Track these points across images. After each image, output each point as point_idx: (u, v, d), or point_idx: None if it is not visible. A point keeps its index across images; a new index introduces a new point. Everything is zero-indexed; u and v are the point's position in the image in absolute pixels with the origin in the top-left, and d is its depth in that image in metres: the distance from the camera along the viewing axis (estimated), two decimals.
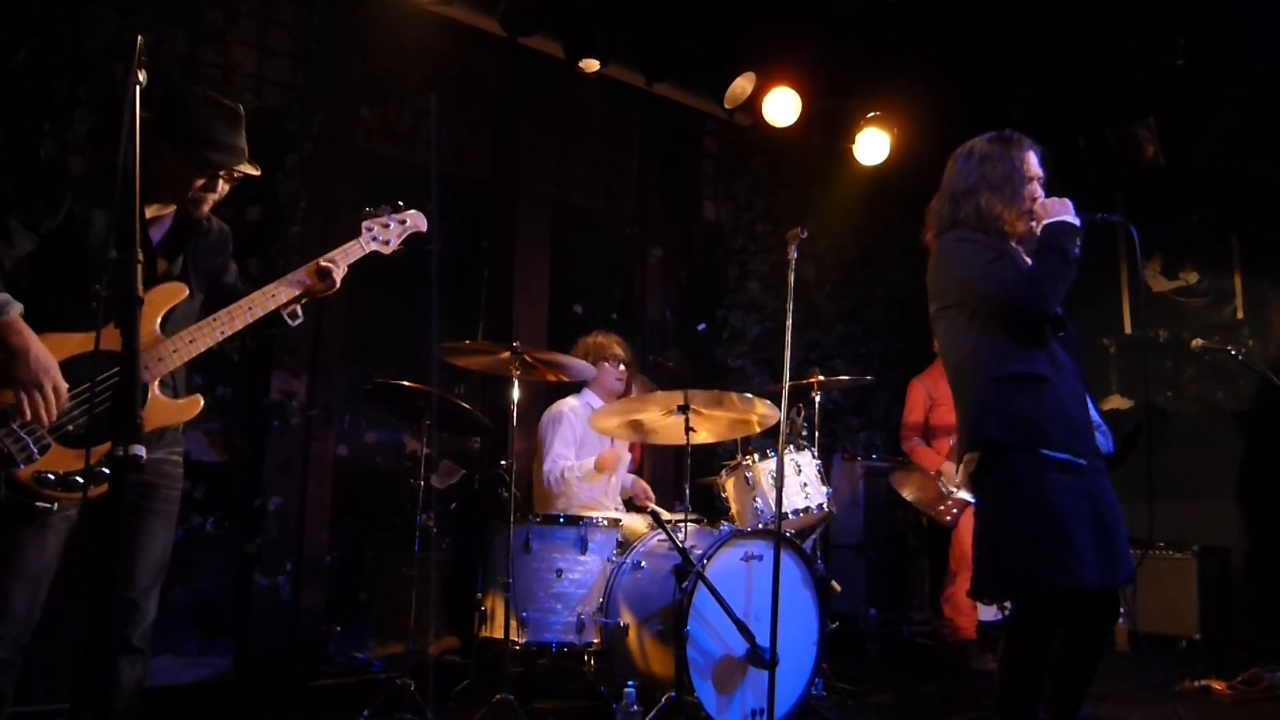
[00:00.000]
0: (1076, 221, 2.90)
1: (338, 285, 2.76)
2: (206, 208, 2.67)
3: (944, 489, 5.19)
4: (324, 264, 2.75)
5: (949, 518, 5.22)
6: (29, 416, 2.28)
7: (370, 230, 2.89)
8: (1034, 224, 2.95)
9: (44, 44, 4.29)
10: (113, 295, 1.88)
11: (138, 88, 1.93)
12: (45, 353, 2.31)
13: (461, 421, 4.41)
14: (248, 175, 2.67)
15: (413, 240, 3.02)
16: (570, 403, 4.88)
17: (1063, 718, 2.92)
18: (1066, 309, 2.93)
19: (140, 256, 1.92)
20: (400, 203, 2.97)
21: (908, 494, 5.50)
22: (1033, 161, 3.00)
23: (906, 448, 5.62)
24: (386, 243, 2.91)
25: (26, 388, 2.28)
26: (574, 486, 4.64)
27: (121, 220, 2.50)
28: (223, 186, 2.66)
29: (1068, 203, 2.93)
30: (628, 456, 4.89)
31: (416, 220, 2.99)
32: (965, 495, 5.06)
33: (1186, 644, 5.81)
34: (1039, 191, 2.99)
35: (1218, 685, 4.52)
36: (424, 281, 5.51)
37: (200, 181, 2.59)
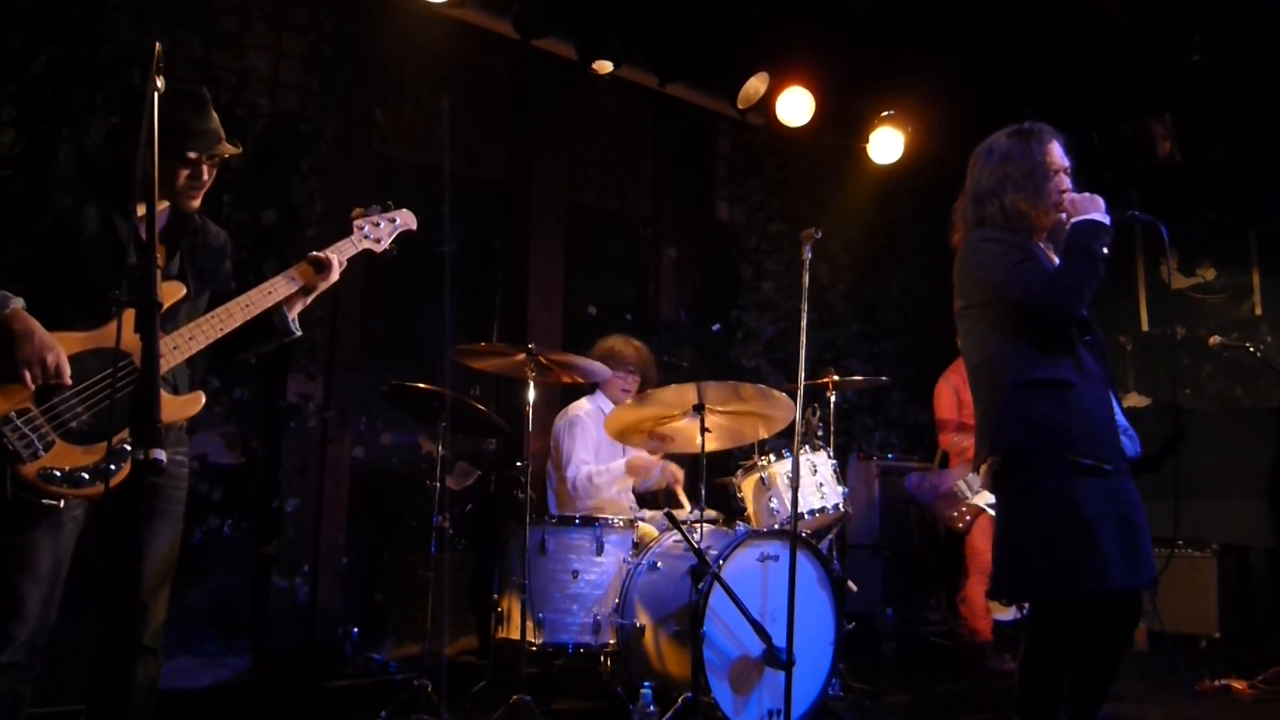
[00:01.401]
0: (1106, 220, 2.82)
1: (333, 277, 2.80)
2: (196, 201, 2.67)
3: (959, 493, 5.18)
4: (318, 255, 2.78)
5: (961, 525, 5.21)
6: (37, 379, 2.29)
7: (362, 229, 2.93)
8: (1062, 216, 2.89)
9: (62, 50, 4.32)
10: (131, 300, 1.90)
11: (156, 95, 1.94)
12: (50, 337, 2.33)
13: (477, 423, 4.43)
14: (229, 156, 2.68)
15: (404, 237, 3.05)
16: (583, 406, 4.88)
17: (1083, 719, 2.89)
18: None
19: (159, 262, 1.93)
20: (390, 202, 3.02)
21: (923, 497, 5.48)
22: (1056, 152, 2.93)
23: (953, 447, 5.48)
24: (378, 241, 2.95)
25: (29, 364, 2.29)
26: (604, 491, 4.63)
27: (127, 225, 2.54)
28: (208, 173, 2.66)
29: (1098, 200, 2.85)
30: (659, 461, 4.86)
31: (407, 219, 3.04)
32: (980, 502, 5.06)
33: (1206, 643, 5.78)
34: (1066, 182, 2.91)
35: (1238, 684, 4.49)
36: (439, 284, 5.53)
37: (185, 173, 2.60)
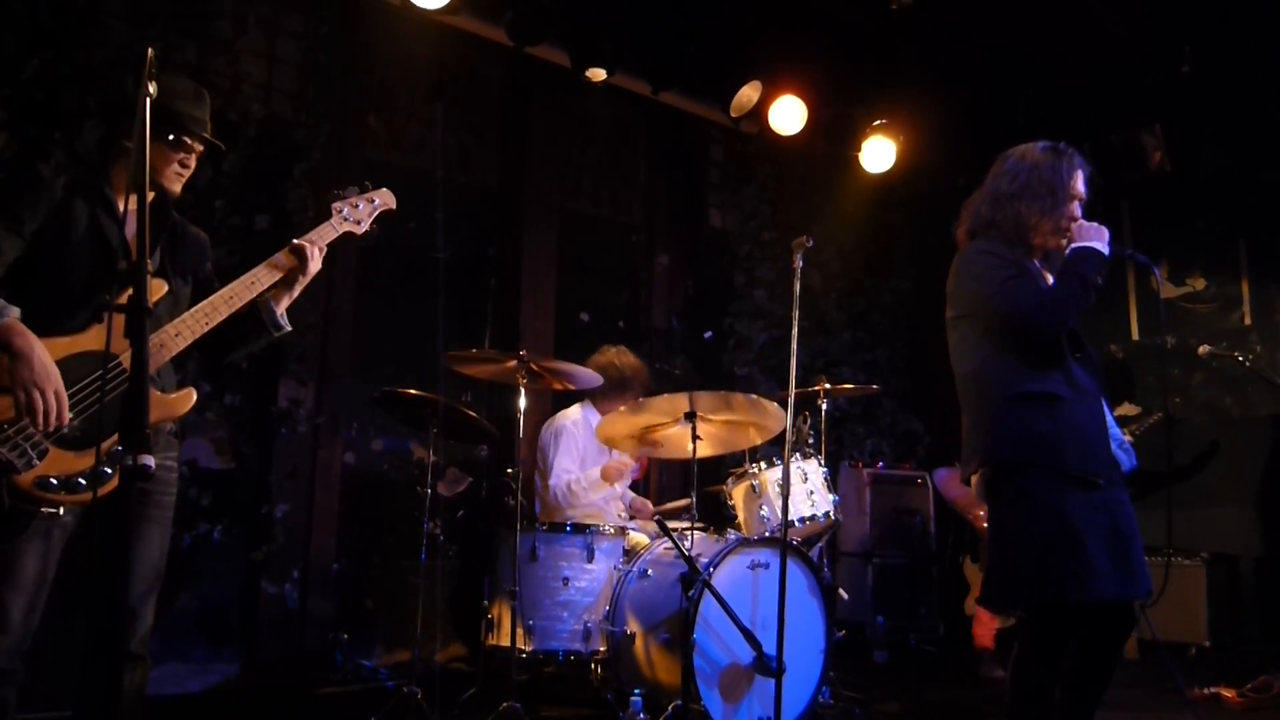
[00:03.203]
0: (1106, 251, 2.87)
1: (313, 265, 2.78)
2: (178, 186, 2.69)
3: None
4: (298, 243, 2.77)
5: (984, 525, 5.23)
6: (38, 419, 2.27)
7: (340, 211, 2.91)
8: (1065, 242, 2.94)
9: (54, 54, 4.32)
10: (120, 305, 1.89)
11: (148, 100, 1.94)
12: (48, 357, 2.31)
13: (468, 429, 4.42)
14: (214, 146, 2.71)
15: (400, 222, 3.01)
16: (571, 415, 4.87)
17: None
18: None
19: (151, 265, 1.92)
20: (367, 183, 2.99)
21: (950, 493, 5.51)
22: (1080, 180, 2.97)
23: None
24: (359, 222, 2.93)
25: (28, 390, 2.27)
26: (581, 497, 4.63)
27: (107, 228, 2.53)
28: (192, 162, 2.69)
29: (1104, 230, 2.90)
30: (634, 464, 4.87)
31: (386, 198, 3.00)
32: None
33: (1196, 651, 5.79)
34: (1078, 211, 2.95)
35: (1227, 693, 4.50)
36: (431, 290, 5.52)
37: (175, 155, 2.63)
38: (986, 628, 5.40)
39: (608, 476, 4.62)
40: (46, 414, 2.29)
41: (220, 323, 2.63)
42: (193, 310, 2.59)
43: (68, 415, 2.32)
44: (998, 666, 5.20)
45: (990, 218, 2.98)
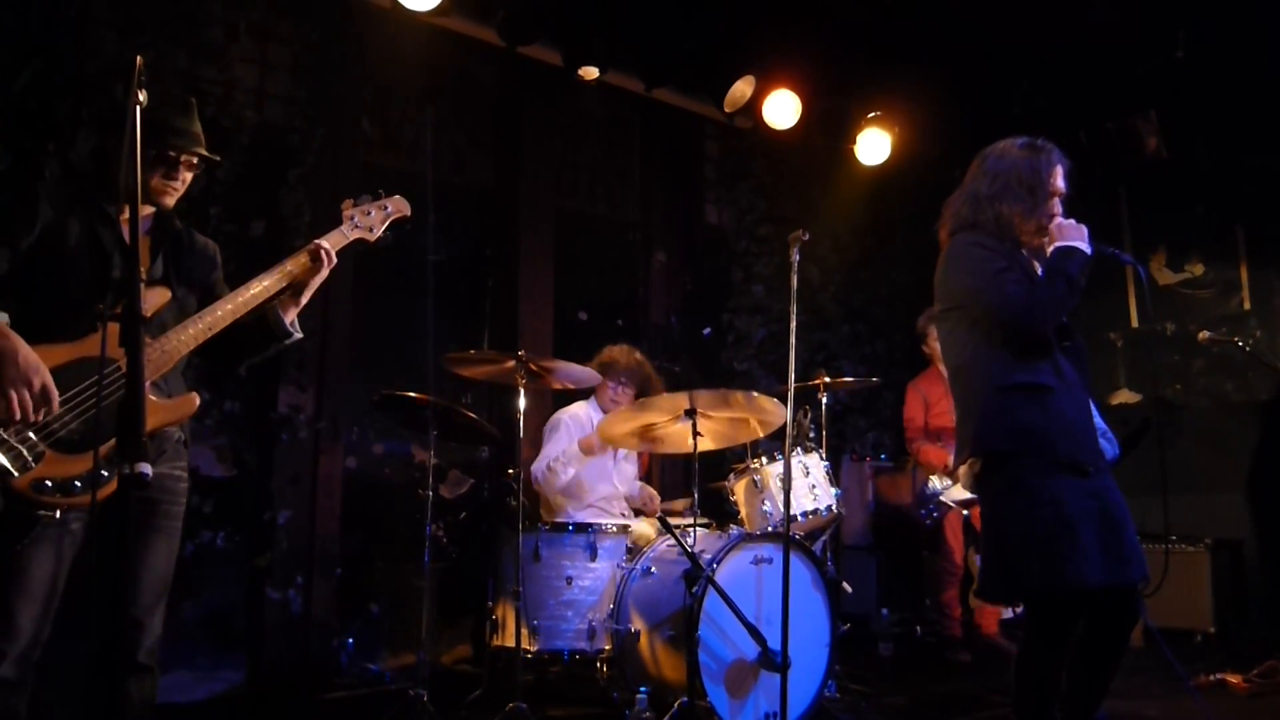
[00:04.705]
0: (1088, 250, 2.88)
1: (325, 271, 2.74)
2: (171, 200, 2.66)
3: (927, 490, 5.27)
4: (317, 244, 2.73)
5: (929, 521, 5.31)
6: (17, 416, 2.26)
7: (352, 219, 2.87)
8: (1045, 240, 2.94)
9: (46, 64, 4.31)
10: (115, 314, 1.89)
11: (138, 108, 1.94)
12: (34, 355, 2.30)
13: (468, 431, 4.42)
14: (208, 159, 2.69)
15: (398, 226, 2.98)
16: (573, 410, 4.88)
17: (1081, 717, 2.90)
18: None
19: (147, 274, 1.92)
20: (381, 190, 2.95)
21: (890, 496, 5.63)
22: (1059, 176, 2.98)
23: (912, 448, 5.68)
24: (370, 229, 2.89)
25: (15, 385, 2.26)
26: (560, 474, 4.60)
27: (103, 234, 2.53)
28: (184, 174, 2.66)
29: (1083, 229, 2.92)
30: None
31: (400, 205, 2.97)
32: (948, 499, 5.13)
33: (1201, 638, 5.78)
34: (1058, 207, 2.97)
35: (1233, 679, 4.50)
36: (428, 292, 5.52)
37: (160, 170, 2.59)
38: (954, 613, 5.53)
39: (585, 449, 4.62)
40: (35, 405, 2.28)
41: (227, 331, 2.61)
42: (196, 316, 2.57)
43: (57, 406, 2.31)
44: (963, 650, 5.50)
45: (972, 218, 2.99)
